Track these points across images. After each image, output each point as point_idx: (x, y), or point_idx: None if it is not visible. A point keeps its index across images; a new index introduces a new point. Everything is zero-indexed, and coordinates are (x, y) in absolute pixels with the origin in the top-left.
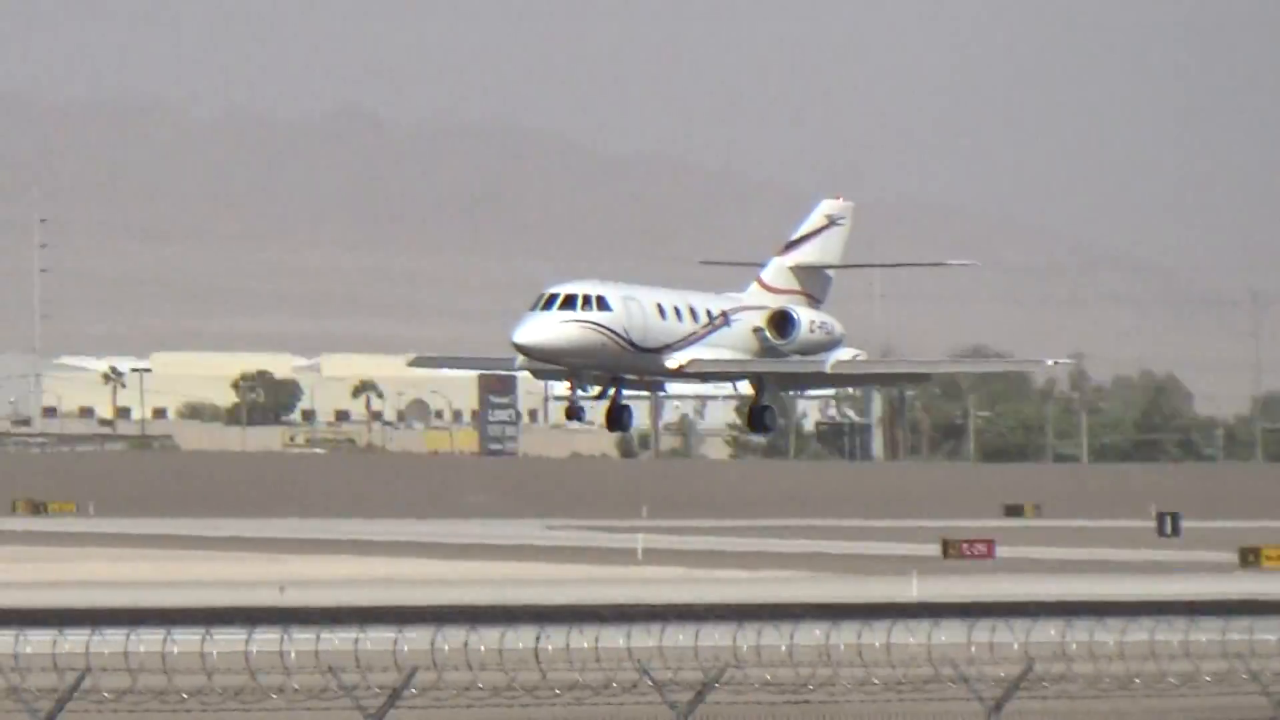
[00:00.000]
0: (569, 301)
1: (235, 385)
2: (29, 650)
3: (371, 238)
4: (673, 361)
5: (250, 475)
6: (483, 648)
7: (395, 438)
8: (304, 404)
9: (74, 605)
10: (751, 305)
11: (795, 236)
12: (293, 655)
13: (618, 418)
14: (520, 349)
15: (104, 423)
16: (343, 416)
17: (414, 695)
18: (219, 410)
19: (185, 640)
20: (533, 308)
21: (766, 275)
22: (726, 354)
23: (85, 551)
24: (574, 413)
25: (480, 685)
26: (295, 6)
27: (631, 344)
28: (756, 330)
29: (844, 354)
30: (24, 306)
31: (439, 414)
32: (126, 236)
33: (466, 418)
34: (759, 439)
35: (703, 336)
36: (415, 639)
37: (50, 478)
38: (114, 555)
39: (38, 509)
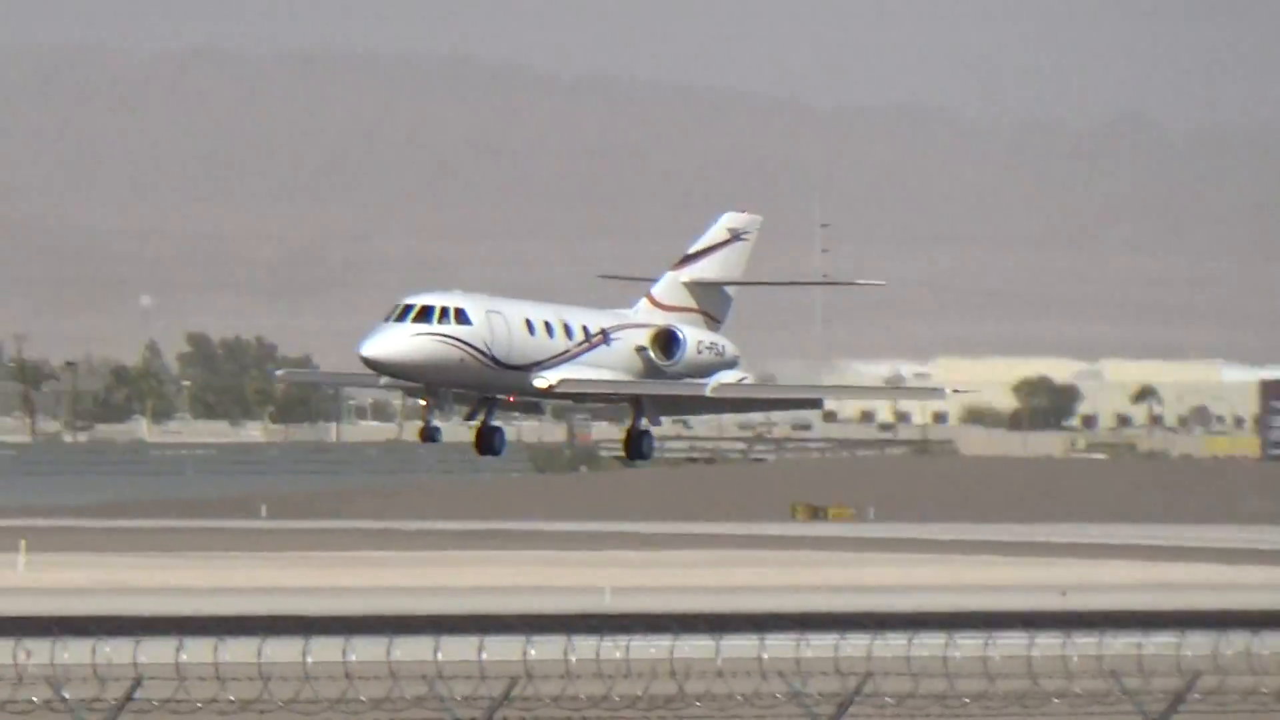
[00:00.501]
0: (425, 313)
1: (1016, 390)
2: (809, 654)
3: (1157, 243)
4: (542, 381)
5: (1030, 480)
6: (1265, 652)
7: (1176, 443)
8: (1084, 409)
9: (854, 609)
10: (637, 323)
11: (693, 250)
12: (1074, 659)
13: (488, 441)
14: (367, 363)
15: (884, 427)
16: (1124, 422)
17: (1197, 700)
18: (1000, 416)
19: (966, 645)
20: (387, 318)
21: (658, 291)
22: (605, 374)
23: (864, 557)
24: (428, 434)
25: (1263, 690)
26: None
27: (494, 360)
28: (640, 350)
29: (728, 376)
30: (805, 312)
31: (1220, 419)
32: (903, 241)
33: (1248, 423)
34: None
35: (577, 355)
36: (1198, 643)
37: (829, 483)
38: (893, 560)
39: (816, 514)
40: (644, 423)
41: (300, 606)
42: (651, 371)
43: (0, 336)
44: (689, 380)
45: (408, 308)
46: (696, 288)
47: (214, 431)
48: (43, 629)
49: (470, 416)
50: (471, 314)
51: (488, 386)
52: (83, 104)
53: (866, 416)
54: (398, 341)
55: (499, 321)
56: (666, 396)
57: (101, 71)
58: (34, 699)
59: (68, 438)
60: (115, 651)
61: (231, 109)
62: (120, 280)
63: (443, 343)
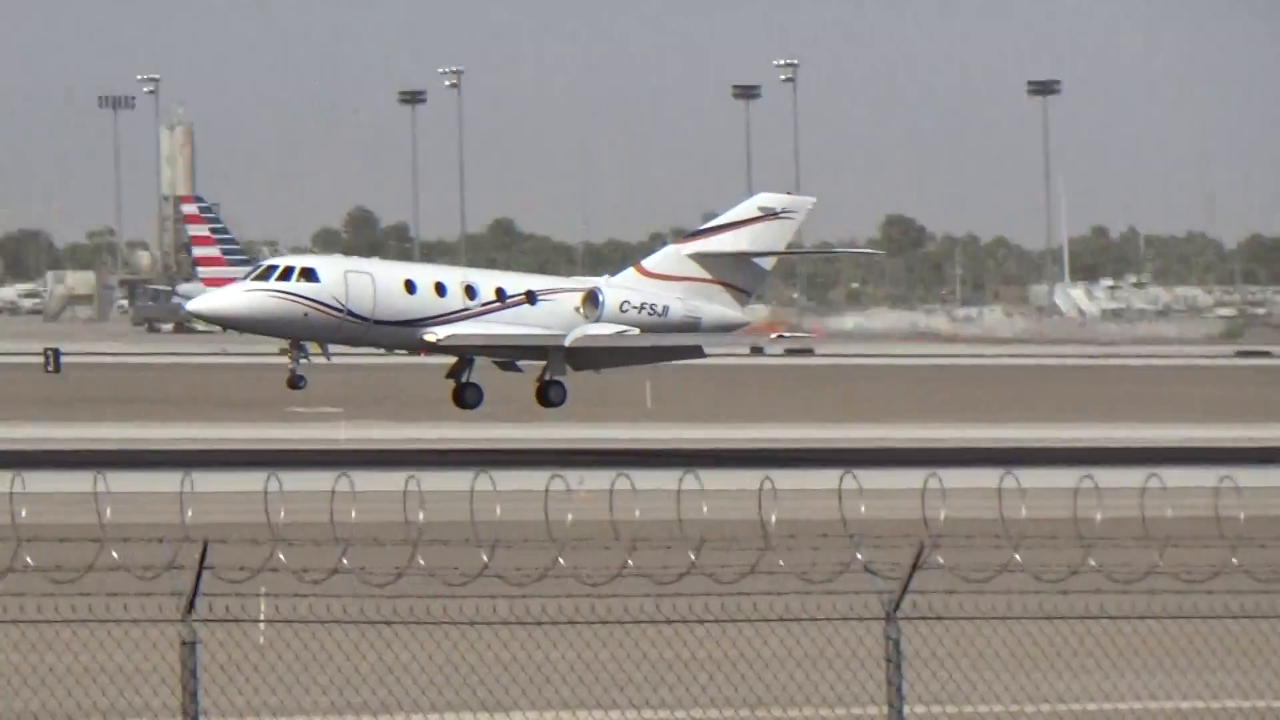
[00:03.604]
0: (269, 272)
1: None
2: None
3: None
4: (431, 335)
5: None
6: None
7: None
8: None
9: None
10: (573, 288)
11: (708, 225)
12: None
13: (461, 396)
14: (194, 316)
15: None
16: None
17: None
18: None
19: None
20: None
21: (650, 262)
22: (517, 330)
23: None
24: (293, 382)
25: None
26: None
27: (354, 315)
28: (577, 309)
29: (598, 329)
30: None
31: None
32: None
33: None
34: None
35: (482, 314)
36: None
37: None
38: None
39: None
40: (550, 374)
41: None
42: None
43: None
44: (548, 333)
45: (255, 266)
46: (709, 259)
47: None
48: None
49: (450, 375)
50: (322, 273)
51: (362, 339)
52: None
53: None
54: (226, 297)
55: (360, 280)
56: (527, 348)
57: None
58: None
59: None
60: None
61: None
62: None
63: (274, 297)
